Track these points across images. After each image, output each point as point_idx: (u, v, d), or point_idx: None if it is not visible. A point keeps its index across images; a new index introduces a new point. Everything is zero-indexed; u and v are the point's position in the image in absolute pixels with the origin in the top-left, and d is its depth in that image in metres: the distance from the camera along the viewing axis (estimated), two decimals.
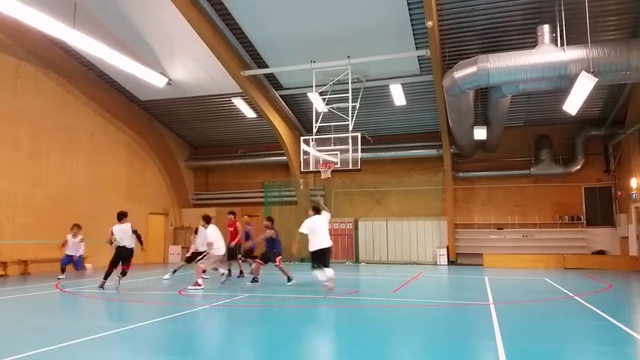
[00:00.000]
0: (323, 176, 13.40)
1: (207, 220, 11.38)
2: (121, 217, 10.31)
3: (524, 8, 12.08)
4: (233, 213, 12.99)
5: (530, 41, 12.41)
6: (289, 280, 11.10)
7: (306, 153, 13.58)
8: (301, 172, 15.42)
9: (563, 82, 11.63)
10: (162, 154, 20.41)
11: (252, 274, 11.35)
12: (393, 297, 9.60)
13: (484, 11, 12.24)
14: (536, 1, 11.83)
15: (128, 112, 18.48)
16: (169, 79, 16.14)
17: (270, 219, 11.87)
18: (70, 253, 12.55)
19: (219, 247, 10.87)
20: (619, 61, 10.79)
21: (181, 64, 15.57)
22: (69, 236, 12.61)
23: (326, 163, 13.24)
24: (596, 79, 9.83)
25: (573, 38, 11.45)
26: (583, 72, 10.11)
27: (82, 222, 16.13)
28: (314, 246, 9.35)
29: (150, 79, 15.35)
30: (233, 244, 12.57)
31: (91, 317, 7.43)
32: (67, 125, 16.00)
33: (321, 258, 9.33)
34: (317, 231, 9.38)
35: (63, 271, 12.73)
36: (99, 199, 17.12)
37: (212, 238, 10.75)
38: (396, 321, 7.23)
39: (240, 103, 17.47)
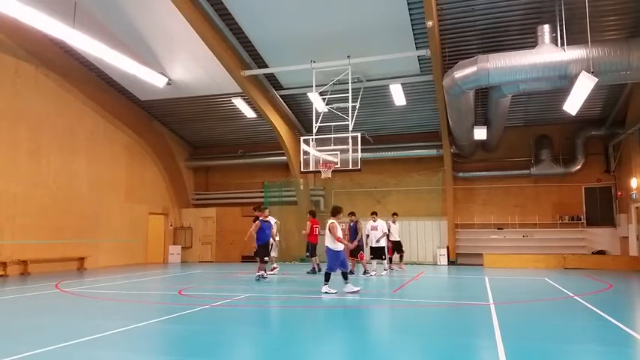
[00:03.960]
0: (323, 176, 13.40)
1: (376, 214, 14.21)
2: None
3: (524, 8, 12.08)
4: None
5: (530, 41, 12.41)
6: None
7: (306, 153, 13.58)
8: (301, 172, 15.42)
9: (564, 82, 11.63)
10: (162, 154, 20.40)
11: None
12: (394, 297, 9.60)
13: (484, 11, 12.24)
14: (536, 1, 11.82)
15: (128, 112, 18.47)
16: (169, 79, 16.13)
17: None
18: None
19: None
20: (619, 61, 10.78)
21: (181, 64, 15.56)
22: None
23: (326, 163, 13.24)
24: (596, 79, 9.82)
25: (573, 38, 11.45)
26: (583, 72, 10.10)
27: (82, 222, 16.34)
28: None
29: (150, 78, 15.34)
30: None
31: (91, 317, 7.42)
32: (67, 125, 15.99)
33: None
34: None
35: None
36: (99, 199, 17.13)
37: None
38: (396, 321, 7.22)
39: (240, 103, 17.46)
